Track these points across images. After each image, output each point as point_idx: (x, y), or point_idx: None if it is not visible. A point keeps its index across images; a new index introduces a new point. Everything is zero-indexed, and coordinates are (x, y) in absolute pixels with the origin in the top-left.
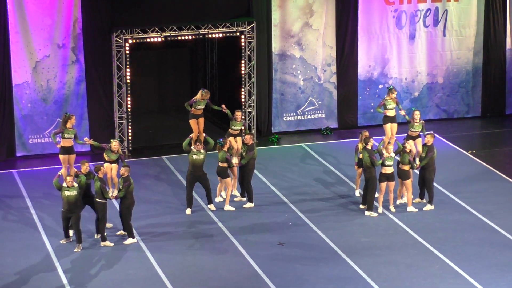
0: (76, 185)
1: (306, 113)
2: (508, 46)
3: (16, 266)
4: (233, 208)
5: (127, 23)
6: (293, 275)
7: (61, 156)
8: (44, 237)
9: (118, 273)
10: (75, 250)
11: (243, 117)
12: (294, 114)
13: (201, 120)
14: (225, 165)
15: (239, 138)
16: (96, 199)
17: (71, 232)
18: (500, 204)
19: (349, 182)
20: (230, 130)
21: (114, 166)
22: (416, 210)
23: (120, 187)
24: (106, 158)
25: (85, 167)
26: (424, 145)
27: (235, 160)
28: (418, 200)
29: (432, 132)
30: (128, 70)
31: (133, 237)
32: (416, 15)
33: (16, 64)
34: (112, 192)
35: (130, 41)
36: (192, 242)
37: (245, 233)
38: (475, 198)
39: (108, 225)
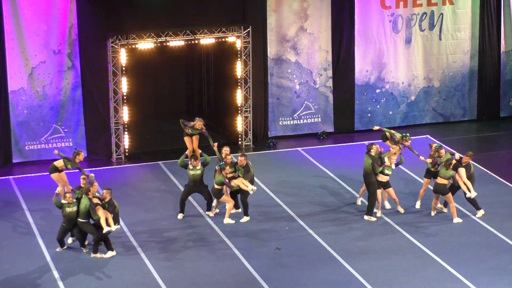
0: (75, 201)
1: (302, 117)
2: (502, 49)
3: (12, 272)
4: (233, 221)
5: (123, 29)
6: (290, 279)
7: (53, 176)
8: (41, 243)
9: (115, 279)
10: (84, 251)
11: (204, 128)
12: (290, 118)
13: (195, 137)
14: (220, 187)
15: (195, 138)
16: (79, 219)
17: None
18: (496, 207)
19: (346, 186)
20: (187, 130)
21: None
22: (461, 220)
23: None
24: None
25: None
26: (458, 163)
27: (250, 187)
28: (441, 207)
29: (471, 153)
30: (124, 76)
31: (113, 250)
32: (412, 19)
33: (12, 70)
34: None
35: (125, 47)
36: (188, 247)
37: (242, 237)
38: (472, 201)
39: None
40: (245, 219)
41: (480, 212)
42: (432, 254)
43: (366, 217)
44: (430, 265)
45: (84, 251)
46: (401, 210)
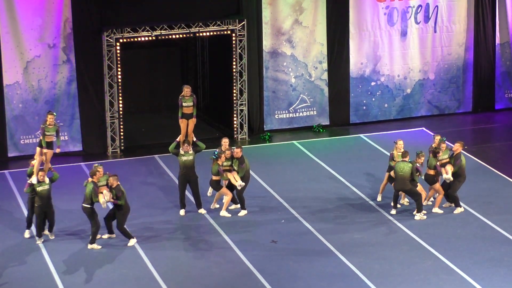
0: (47, 180)
1: (298, 110)
2: (497, 41)
3: (8, 267)
4: (229, 215)
5: (118, 22)
6: (286, 272)
7: (38, 148)
8: (36, 237)
9: (111, 272)
10: (37, 243)
11: (193, 95)
12: (286, 111)
13: (191, 121)
14: (218, 178)
15: (191, 121)
16: (83, 204)
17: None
18: (492, 199)
19: (341, 179)
20: (183, 110)
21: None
22: (442, 211)
23: (114, 197)
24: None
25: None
26: (451, 154)
27: (239, 181)
28: (448, 204)
29: (461, 141)
30: (119, 69)
31: (133, 237)
32: (407, 11)
33: (7, 64)
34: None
35: (120, 40)
36: (185, 240)
37: (238, 231)
38: (467, 193)
39: (111, 235)
40: (242, 212)
41: (459, 209)
42: (428, 246)
43: (417, 217)
44: (426, 257)
45: (38, 242)
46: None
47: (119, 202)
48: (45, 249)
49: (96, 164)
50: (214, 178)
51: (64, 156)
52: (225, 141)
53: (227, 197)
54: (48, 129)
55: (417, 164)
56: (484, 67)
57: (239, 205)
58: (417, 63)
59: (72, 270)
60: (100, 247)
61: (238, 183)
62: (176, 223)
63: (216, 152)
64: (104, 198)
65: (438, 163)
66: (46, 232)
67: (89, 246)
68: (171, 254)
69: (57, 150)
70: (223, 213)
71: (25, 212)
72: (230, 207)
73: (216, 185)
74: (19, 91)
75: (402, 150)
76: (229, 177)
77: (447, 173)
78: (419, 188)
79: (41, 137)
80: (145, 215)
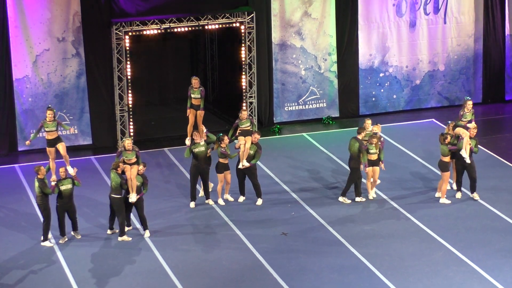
0: (69, 178)
1: (308, 102)
2: (507, 32)
3: (19, 260)
4: (224, 203)
5: (127, 15)
6: (296, 265)
7: (47, 149)
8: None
9: (122, 266)
10: (60, 242)
11: (201, 87)
12: (296, 103)
13: (200, 112)
14: (225, 161)
15: (199, 113)
16: (112, 195)
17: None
18: (502, 190)
19: None
20: (191, 101)
21: (134, 167)
22: (449, 202)
23: (139, 183)
24: (126, 160)
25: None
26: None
27: (244, 163)
28: (460, 194)
29: (475, 125)
30: (128, 63)
31: (147, 228)
32: (417, 2)
33: (16, 58)
34: (131, 197)
35: (129, 33)
36: (195, 233)
37: (248, 223)
38: (477, 184)
39: (129, 228)
40: (259, 201)
41: (476, 195)
42: (438, 237)
43: (340, 199)
44: (436, 249)
45: (77, 236)
46: (371, 197)
47: (144, 191)
48: (55, 243)
49: (124, 140)
50: (221, 161)
51: (74, 150)
52: (244, 113)
53: (220, 184)
54: (48, 125)
55: (367, 145)
56: (494, 58)
57: (244, 197)
58: (426, 54)
59: (83, 264)
60: (130, 238)
61: (243, 163)
62: (186, 216)
63: (219, 135)
64: (134, 196)
65: (462, 122)
66: (72, 233)
67: (120, 239)
68: (181, 247)
69: (60, 146)
70: (220, 201)
71: (35, 206)
72: (239, 200)
73: (219, 168)
74: (28, 85)
75: (370, 129)
76: (240, 142)
77: (467, 152)
78: (446, 175)
79: (34, 132)
80: (154, 208)
